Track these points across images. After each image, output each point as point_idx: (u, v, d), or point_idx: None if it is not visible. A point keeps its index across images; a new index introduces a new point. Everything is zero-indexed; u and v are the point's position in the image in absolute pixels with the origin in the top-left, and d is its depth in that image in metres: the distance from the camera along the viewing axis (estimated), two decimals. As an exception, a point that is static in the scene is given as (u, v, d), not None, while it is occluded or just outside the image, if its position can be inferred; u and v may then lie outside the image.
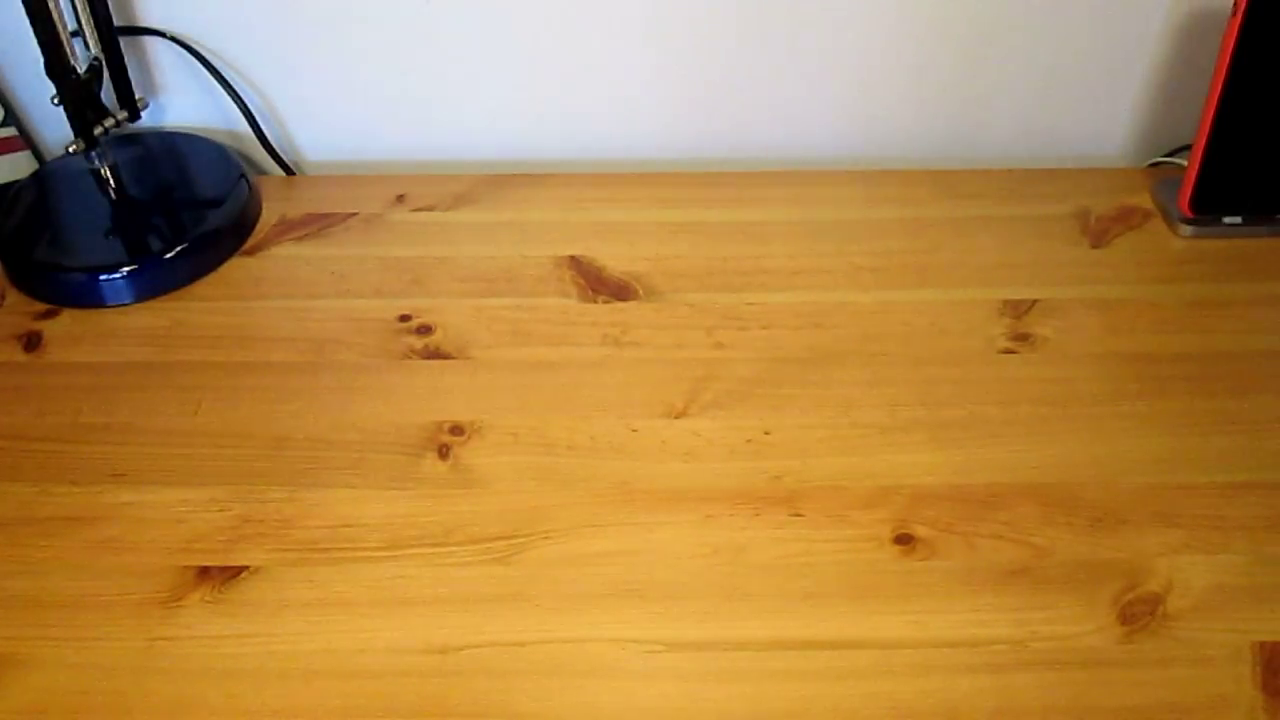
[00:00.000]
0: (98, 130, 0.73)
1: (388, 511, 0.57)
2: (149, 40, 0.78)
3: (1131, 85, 0.79)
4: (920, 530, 0.56)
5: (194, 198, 0.76)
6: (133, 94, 0.76)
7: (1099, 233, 0.74)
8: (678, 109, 0.81)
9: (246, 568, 0.55)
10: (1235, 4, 0.65)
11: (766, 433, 0.61)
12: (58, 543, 0.56)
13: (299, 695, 0.49)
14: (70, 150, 0.72)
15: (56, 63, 0.68)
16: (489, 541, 0.55)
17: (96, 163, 0.74)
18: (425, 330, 0.67)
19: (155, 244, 0.71)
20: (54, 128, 0.82)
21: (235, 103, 0.79)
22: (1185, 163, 0.72)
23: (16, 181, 0.78)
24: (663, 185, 0.78)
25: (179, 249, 0.71)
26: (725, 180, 0.78)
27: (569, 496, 0.58)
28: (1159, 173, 0.79)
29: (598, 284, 0.70)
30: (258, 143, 0.80)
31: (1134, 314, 0.68)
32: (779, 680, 0.50)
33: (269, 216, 0.76)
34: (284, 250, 0.74)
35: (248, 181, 0.77)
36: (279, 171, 0.82)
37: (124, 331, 0.68)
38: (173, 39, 0.77)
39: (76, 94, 0.70)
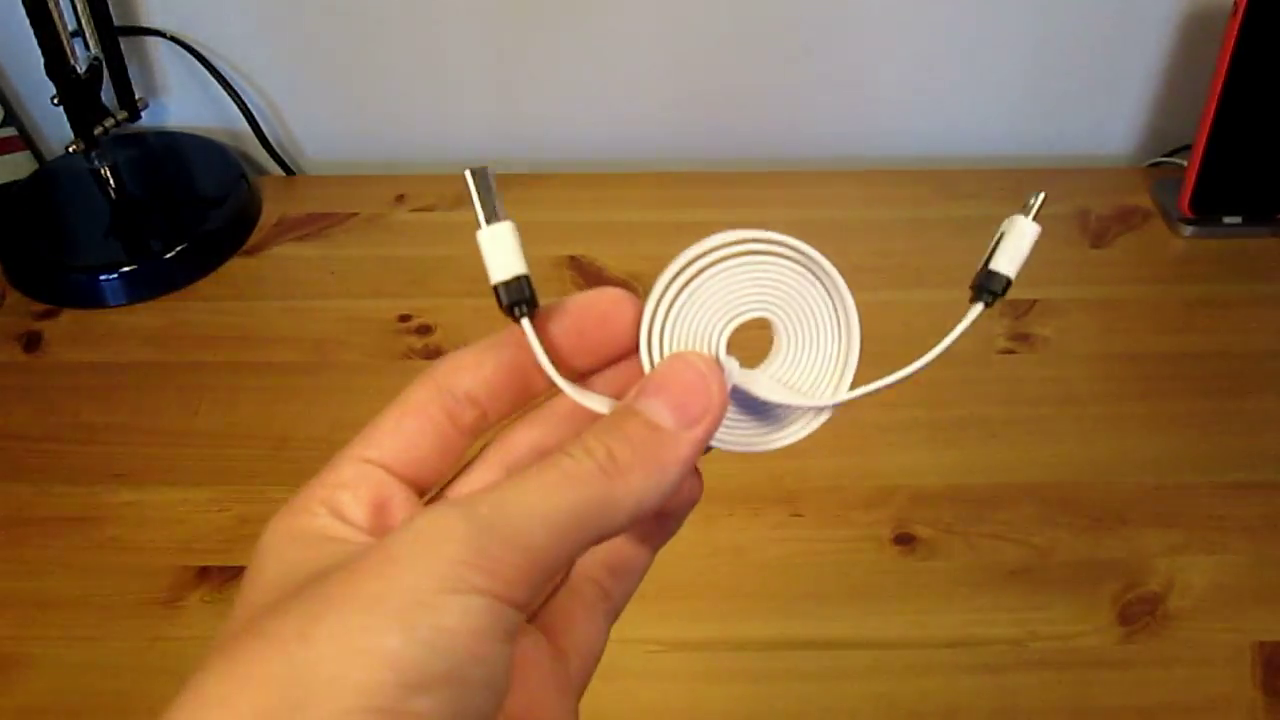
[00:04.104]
0: (98, 130, 0.73)
1: (388, 511, 0.57)
2: (149, 40, 0.78)
3: (1131, 85, 0.79)
4: (920, 530, 0.56)
5: (194, 198, 0.76)
6: (133, 94, 0.76)
7: (1099, 233, 0.74)
8: (678, 109, 0.81)
9: (246, 568, 0.54)
10: (1235, 4, 0.65)
11: (766, 433, 0.61)
12: (58, 543, 0.56)
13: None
14: (70, 150, 0.72)
15: (56, 63, 0.68)
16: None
17: (96, 163, 0.74)
18: (425, 330, 0.67)
19: (155, 244, 0.71)
20: (54, 128, 0.82)
21: (235, 103, 0.79)
22: (1185, 163, 0.72)
23: (16, 181, 0.78)
24: (663, 185, 0.78)
25: (179, 249, 0.71)
26: (725, 180, 0.78)
27: (569, 496, 0.58)
28: (1159, 173, 0.79)
29: (598, 284, 0.70)
30: (258, 143, 0.80)
31: (1134, 314, 0.68)
32: (779, 680, 0.50)
33: (269, 216, 0.76)
34: (284, 250, 0.74)
35: (248, 181, 0.77)
36: (279, 171, 0.82)
37: (124, 331, 0.68)
38: (173, 39, 0.77)
39: (76, 94, 0.70)
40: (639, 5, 0.76)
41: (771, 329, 0.27)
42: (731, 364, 0.26)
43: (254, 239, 0.74)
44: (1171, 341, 0.66)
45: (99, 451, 0.61)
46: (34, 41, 0.68)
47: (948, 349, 0.26)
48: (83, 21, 0.71)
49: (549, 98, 0.80)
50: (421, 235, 0.74)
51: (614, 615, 0.28)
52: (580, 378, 0.26)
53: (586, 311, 0.26)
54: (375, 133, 0.82)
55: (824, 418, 0.27)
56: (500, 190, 0.26)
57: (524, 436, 0.26)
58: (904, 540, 0.55)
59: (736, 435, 0.26)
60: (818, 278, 0.27)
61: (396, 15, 0.76)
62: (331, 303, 0.69)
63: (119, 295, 0.70)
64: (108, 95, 0.74)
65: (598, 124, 0.82)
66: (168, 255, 0.71)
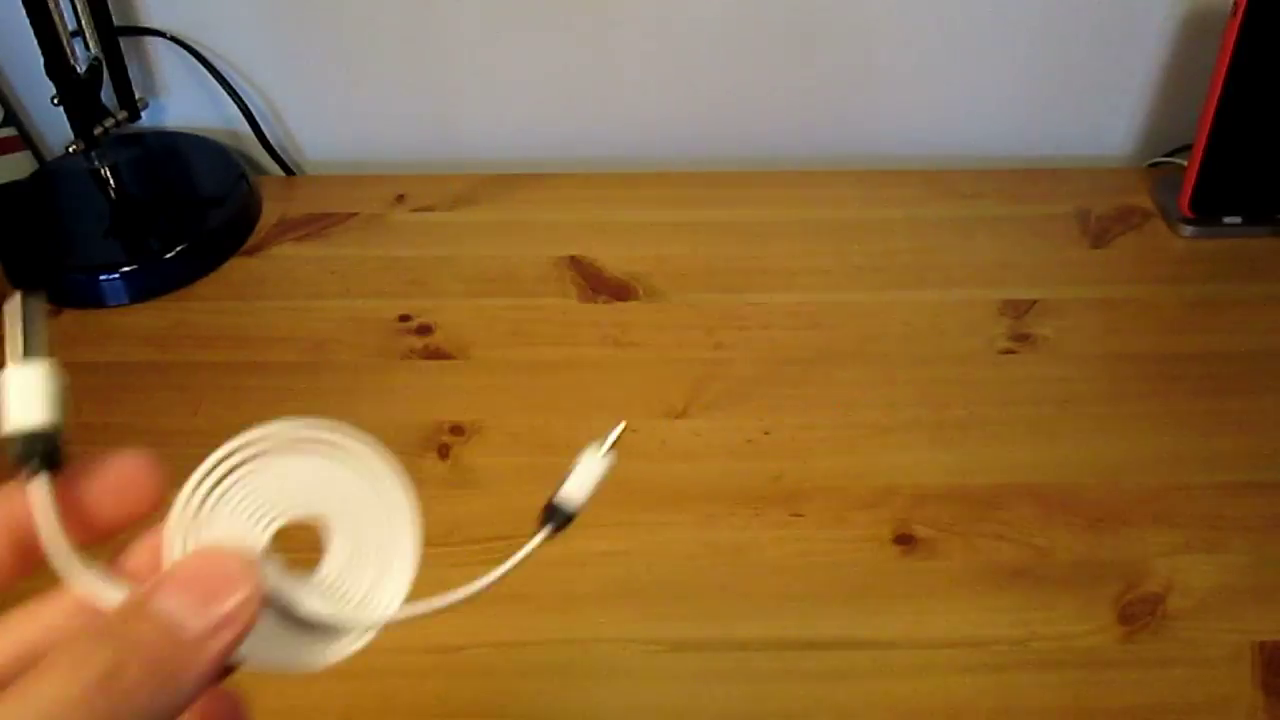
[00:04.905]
0: (98, 130, 0.72)
1: (388, 511, 0.57)
2: (149, 40, 0.78)
3: (1131, 85, 0.79)
4: (920, 530, 0.56)
5: (194, 198, 0.76)
6: (133, 94, 0.76)
7: (1099, 233, 0.74)
8: (678, 109, 0.81)
9: None
10: (1235, 4, 0.65)
11: (766, 433, 0.61)
12: (58, 543, 0.56)
13: (299, 695, 0.49)
14: (70, 150, 0.72)
15: (56, 63, 0.68)
16: (489, 541, 0.55)
17: (96, 163, 0.74)
18: (425, 330, 0.67)
19: (155, 244, 0.71)
20: (54, 128, 0.82)
21: (235, 103, 0.79)
22: (1185, 163, 0.72)
23: (16, 181, 0.78)
24: (663, 185, 0.78)
25: (179, 249, 0.71)
26: (725, 180, 0.78)
27: (569, 496, 0.58)
28: (1159, 173, 0.79)
29: (598, 284, 0.70)
30: (258, 143, 0.80)
31: (1134, 314, 0.68)
32: (779, 680, 0.50)
33: (269, 216, 0.76)
34: (284, 250, 0.74)
35: (248, 181, 0.77)
36: (279, 171, 0.82)
37: (124, 331, 0.68)
38: (173, 39, 0.77)
39: (76, 94, 0.70)
40: (639, 6, 0.76)
41: (322, 529, 0.25)
42: (270, 566, 0.24)
43: (254, 239, 0.74)
44: (1171, 341, 0.66)
45: (99, 452, 0.60)
46: (34, 41, 0.68)
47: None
48: (83, 21, 0.71)
49: (549, 98, 0.80)
50: (421, 235, 0.74)
51: None
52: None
53: (105, 479, 0.24)
54: (375, 133, 0.83)
55: (372, 633, 0.24)
56: (44, 326, 0.24)
57: (34, 622, 0.23)
58: (904, 540, 0.55)
59: (272, 648, 0.23)
60: (373, 481, 0.25)
61: (396, 15, 0.76)
62: (331, 303, 0.69)
63: (119, 295, 0.70)
64: (108, 95, 0.74)
65: (598, 124, 0.82)
66: (168, 255, 0.71)
